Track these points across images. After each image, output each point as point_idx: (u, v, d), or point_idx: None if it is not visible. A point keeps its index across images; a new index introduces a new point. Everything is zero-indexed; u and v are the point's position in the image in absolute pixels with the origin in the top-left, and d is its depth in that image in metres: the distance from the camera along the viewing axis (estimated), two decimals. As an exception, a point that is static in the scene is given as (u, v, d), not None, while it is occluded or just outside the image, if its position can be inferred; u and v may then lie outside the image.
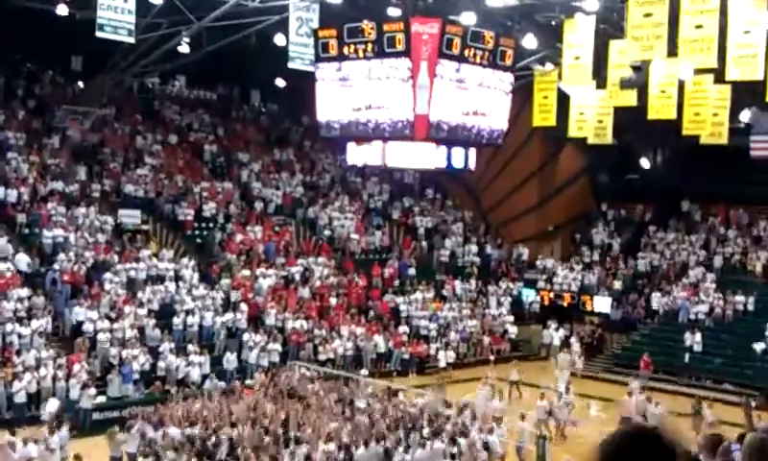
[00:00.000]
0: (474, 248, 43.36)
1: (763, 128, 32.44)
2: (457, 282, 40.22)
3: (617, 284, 40.02)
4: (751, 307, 35.66)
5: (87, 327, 28.69)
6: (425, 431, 20.29)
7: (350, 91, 21.88)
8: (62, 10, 27.84)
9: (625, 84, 25.15)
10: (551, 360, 36.88)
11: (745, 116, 31.80)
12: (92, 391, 25.52)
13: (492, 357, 35.99)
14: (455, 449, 19.42)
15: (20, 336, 27.19)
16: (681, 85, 25.95)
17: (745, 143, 32.70)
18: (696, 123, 27.32)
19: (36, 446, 18.99)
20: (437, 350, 34.90)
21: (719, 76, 24.14)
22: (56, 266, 30.70)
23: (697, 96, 26.86)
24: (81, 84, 40.15)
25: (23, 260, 29.93)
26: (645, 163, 43.65)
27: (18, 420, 24.01)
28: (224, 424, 20.62)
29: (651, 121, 26.43)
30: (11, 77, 39.03)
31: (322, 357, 31.91)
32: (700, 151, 30.86)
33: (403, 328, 35.34)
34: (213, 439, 19.35)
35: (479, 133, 22.47)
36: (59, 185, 34.59)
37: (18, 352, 26.62)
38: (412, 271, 39.91)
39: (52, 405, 21.05)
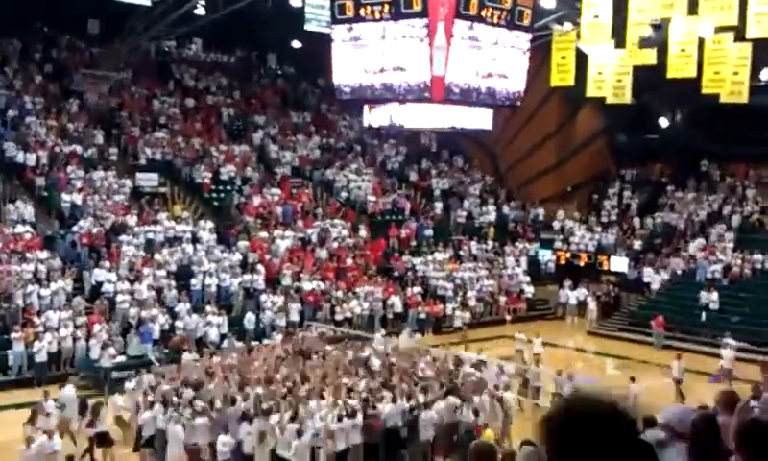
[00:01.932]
0: (491, 209, 43.31)
1: (784, 86, 32.15)
2: (474, 243, 40.25)
3: (636, 244, 39.91)
4: (768, 266, 35.57)
5: (107, 288, 28.93)
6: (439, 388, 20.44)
7: (366, 53, 21.76)
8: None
9: (644, 43, 24.95)
10: (567, 320, 37.05)
11: (765, 75, 31.51)
12: (112, 351, 25.75)
13: (508, 317, 36.10)
14: (471, 406, 19.50)
15: (41, 297, 27.46)
16: (700, 44, 25.64)
17: (765, 102, 32.38)
18: (716, 82, 27.01)
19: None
20: (453, 309, 35.01)
21: (739, 34, 23.85)
22: (74, 229, 30.92)
23: (717, 54, 26.53)
24: (98, 48, 40.13)
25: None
26: (664, 123, 43.31)
27: (39, 379, 24.33)
28: (243, 381, 20.76)
29: (670, 80, 26.17)
30: (28, 41, 39.06)
31: (338, 317, 32.05)
32: (719, 110, 30.51)
33: (417, 288, 35.41)
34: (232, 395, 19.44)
35: (496, 94, 22.34)
36: (77, 149, 34.73)
37: (39, 313, 26.90)
38: (429, 232, 39.96)
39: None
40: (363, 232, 37.96)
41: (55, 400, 19.71)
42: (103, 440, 18.74)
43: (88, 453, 18.57)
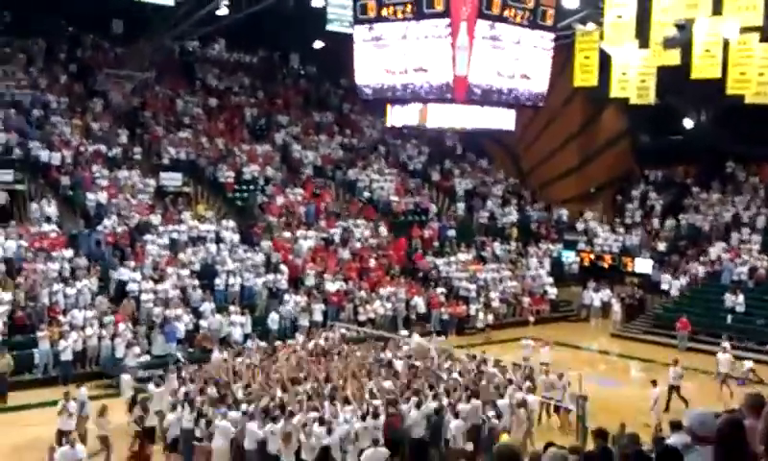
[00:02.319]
0: (514, 209, 43.23)
1: (810, 87, 31.84)
2: (496, 244, 40.20)
3: (661, 246, 39.69)
4: (795, 268, 35.29)
5: (131, 287, 29.10)
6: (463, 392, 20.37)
7: (388, 53, 21.77)
8: (103, -27, 27.99)
9: (669, 44, 24.79)
10: (591, 322, 36.92)
11: (791, 75, 31.24)
12: (137, 350, 25.92)
13: (531, 318, 36.04)
14: (495, 409, 19.47)
15: (66, 296, 27.66)
16: (725, 44, 25.48)
17: (791, 103, 32.16)
18: (741, 82, 26.80)
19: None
20: (476, 310, 34.96)
21: (765, 34, 23.68)
22: (99, 228, 31.12)
23: (742, 55, 26.33)
24: (122, 48, 40.40)
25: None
26: (688, 124, 43.02)
27: (64, 377, 24.52)
28: (267, 380, 20.83)
29: (694, 81, 25.98)
30: (52, 41, 39.39)
31: (361, 318, 32.09)
32: (744, 111, 30.31)
33: (440, 289, 35.40)
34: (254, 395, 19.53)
35: (519, 94, 22.29)
36: (101, 148, 34.97)
37: (64, 312, 27.10)
38: (452, 232, 39.94)
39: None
40: (385, 233, 37.98)
41: (74, 399, 19.80)
42: (150, 435, 18.82)
43: (140, 449, 18.54)
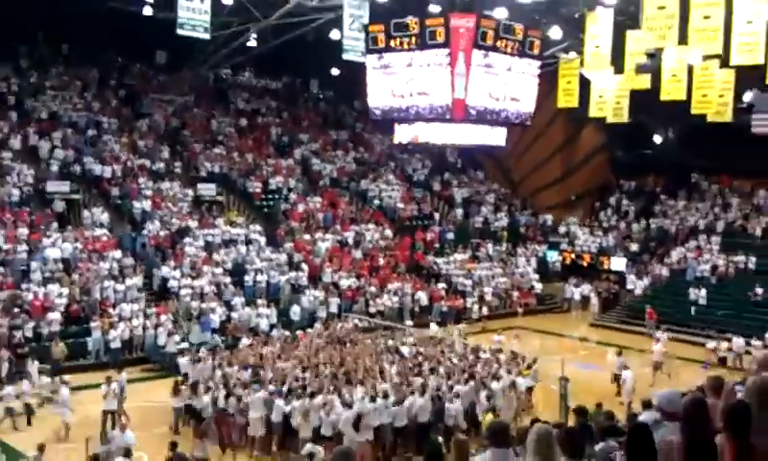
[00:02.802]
0: (504, 215, 43.13)
1: (764, 107, 31.72)
2: (489, 245, 40.09)
3: (633, 247, 39.62)
4: (751, 266, 35.09)
5: (172, 283, 29.11)
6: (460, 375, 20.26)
7: (395, 79, 21.72)
8: (148, 11, 28.03)
9: (640, 70, 24.68)
10: (572, 313, 36.81)
11: (747, 97, 31.10)
12: (177, 338, 25.92)
13: (520, 310, 35.94)
14: (487, 391, 19.36)
15: (116, 291, 27.70)
16: (690, 70, 25.38)
17: (747, 121, 32.00)
18: (703, 103, 26.73)
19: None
20: (472, 303, 34.87)
21: (724, 61, 23.55)
22: (144, 232, 31.15)
23: (704, 79, 26.26)
24: (164, 75, 40.48)
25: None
26: (657, 139, 42.87)
27: (114, 362, 24.53)
28: (287, 365, 20.79)
29: (663, 102, 25.88)
30: (105, 70, 39.49)
31: (372, 310, 32.02)
32: (707, 128, 30.22)
33: (441, 285, 35.30)
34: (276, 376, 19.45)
35: (510, 114, 22.21)
36: (146, 163, 35.01)
37: (114, 305, 27.12)
38: (450, 235, 39.86)
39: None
40: (392, 235, 37.91)
41: (116, 382, 19.65)
42: (198, 417, 18.76)
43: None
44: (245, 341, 24.99)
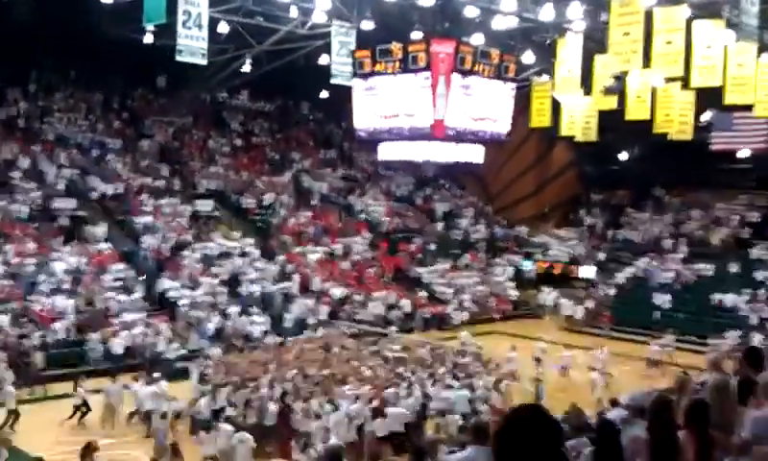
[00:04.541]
0: (482, 227, 43.14)
1: (722, 126, 32.03)
2: (468, 255, 40.05)
3: (601, 256, 39.72)
4: (710, 273, 35.27)
5: (171, 293, 28.89)
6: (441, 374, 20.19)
7: (379, 101, 21.75)
8: (149, 38, 27.92)
9: (607, 91, 24.87)
10: (545, 318, 36.78)
11: (706, 116, 31.38)
12: (175, 345, 25.70)
13: (497, 316, 35.90)
14: (471, 390, 19.26)
15: (118, 302, 27.45)
16: (653, 91, 25.55)
17: (706, 138, 32.29)
18: (666, 122, 26.91)
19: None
20: (453, 310, 34.80)
21: (685, 83, 23.73)
22: (145, 246, 30.93)
23: (667, 100, 26.44)
24: (164, 99, 40.31)
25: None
26: (624, 156, 43.15)
27: (117, 368, 24.23)
28: (280, 369, 20.64)
29: (628, 121, 26.06)
30: (108, 94, 39.26)
31: (358, 317, 31.86)
32: (669, 145, 30.41)
33: (423, 293, 35.20)
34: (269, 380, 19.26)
35: (486, 133, 22.28)
36: (147, 181, 34.82)
37: (117, 315, 26.87)
38: (432, 246, 39.80)
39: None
40: (378, 247, 37.84)
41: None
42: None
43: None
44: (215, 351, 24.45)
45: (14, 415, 18.94)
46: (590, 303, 35.89)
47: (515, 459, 2.53)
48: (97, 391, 20.03)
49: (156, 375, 20.37)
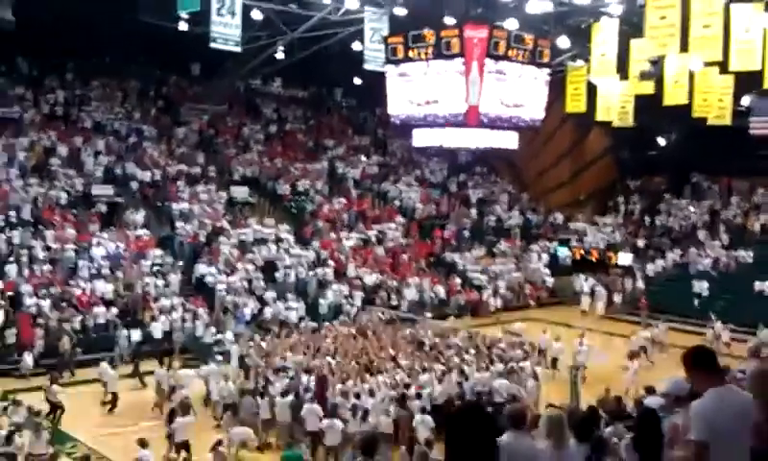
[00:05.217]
0: (517, 214, 42.90)
1: (761, 110, 31.39)
2: (503, 242, 39.89)
3: (639, 242, 39.26)
4: (750, 260, 34.73)
5: (208, 279, 29.24)
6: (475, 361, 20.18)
7: (413, 87, 21.74)
8: (183, 26, 28.16)
9: (644, 76, 24.54)
10: (581, 305, 36.43)
11: (745, 101, 30.80)
12: (213, 330, 26.04)
13: (532, 303, 35.75)
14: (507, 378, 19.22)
15: (156, 287, 27.87)
16: (691, 76, 25.19)
17: (745, 124, 31.67)
18: (704, 107, 26.53)
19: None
20: (487, 297, 34.71)
21: (723, 67, 23.35)
22: (182, 232, 31.30)
23: (705, 84, 26.07)
24: (199, 86, 40.63)
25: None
26: (661, 142, 42.54)
27: (156, 351, 24.59)
28: (316, 354, 20.82)
29: (666, 106, 25.73)
30: (144, 82, 39.72)
31: (393, 303, 31.96)
32: (707, 130, 29.94)
33: (458, 279, 35.16)
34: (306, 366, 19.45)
35: (520, 119, 22.16)
36: (183, 168, 35.19)
37: (155, 299, 27.28)
38: (466, 233, 39.72)
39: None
40: (412, 233, 37.85)
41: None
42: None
43: None
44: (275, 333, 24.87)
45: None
46: (628, 290, 35.57)
47: (458, 449, 3.05)
48: (150, 373, 20.46)
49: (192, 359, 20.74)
